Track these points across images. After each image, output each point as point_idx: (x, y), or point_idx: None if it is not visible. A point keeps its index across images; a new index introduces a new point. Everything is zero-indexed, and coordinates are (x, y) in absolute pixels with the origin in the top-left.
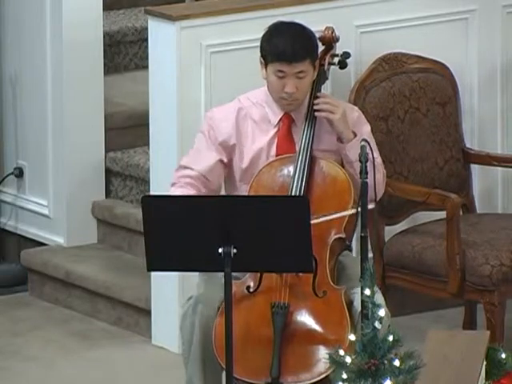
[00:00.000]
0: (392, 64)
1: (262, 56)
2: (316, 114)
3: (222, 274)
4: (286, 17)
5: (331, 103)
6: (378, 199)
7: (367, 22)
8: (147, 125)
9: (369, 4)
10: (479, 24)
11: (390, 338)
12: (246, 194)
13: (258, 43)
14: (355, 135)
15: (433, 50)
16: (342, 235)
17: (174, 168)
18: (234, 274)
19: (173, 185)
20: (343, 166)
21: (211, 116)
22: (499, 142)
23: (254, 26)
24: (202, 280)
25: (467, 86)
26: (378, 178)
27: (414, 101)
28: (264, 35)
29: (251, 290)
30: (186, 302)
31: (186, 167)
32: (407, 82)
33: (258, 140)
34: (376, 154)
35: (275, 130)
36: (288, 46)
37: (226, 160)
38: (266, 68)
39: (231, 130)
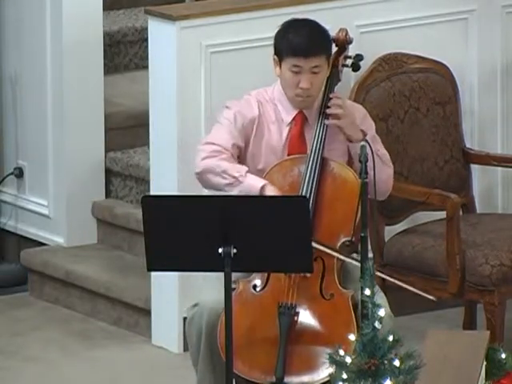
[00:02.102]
0: (392, 64)
1: (275, 53)
2: (326, 122)
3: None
4: (286, 17)
5: (341, 111)
6: (387, 194)
7: (367, 22)
8: (147, 125)
9: (369, 4)
10: (479, 24)
11: (390, 338)
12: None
13: (258, 43)
14: (365, 134)
15: (433, 50)
16: (351, 238)
17: (175, 166)
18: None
19: (205, 158)
20: (352, 165)
21: (234, 104)
22: (499, 142)
23: (254, 26)
24: (205, 287)
25: (467, 86)
26: (388, 172)
27: (414, 101)
28: (278, 32)
29: (258, 289)
30: (190, 307)
31: (211, 143)
32: (407, 82)
33: (272, 138)
34: (384, 151)
35: (288, 128)
36: (304, 40)
37: (242, 145)
38: (280, 65)
39: (255, 116)
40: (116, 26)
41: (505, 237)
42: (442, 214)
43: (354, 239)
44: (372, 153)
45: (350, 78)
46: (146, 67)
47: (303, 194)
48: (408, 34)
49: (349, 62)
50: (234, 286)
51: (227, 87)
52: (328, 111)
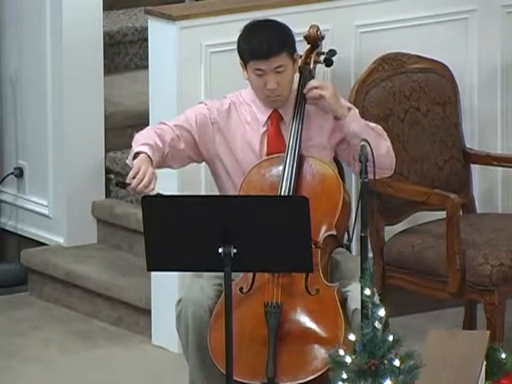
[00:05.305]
0: (392, 64)
1: (240, 57)
2: (308, 94)
3: (203, 273)
4: (285, 17)
5: (321, 84)
6: (393, 167)
7: (367, 22)
8: (147, 125)
9: (369, 4)
10: (479, 24)
11: (390, 338)
12: (235, 189)
13: None
14: (349, 109)
15: (433, 50)
16: (333, 232)
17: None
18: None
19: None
20: (336, 161)
21: (207, 102)
22: (499, 142)
23: None
24: (189, 283)
25: (467, 86)
26: (387, 144)
27: (414, 101)
28: (239, 36)
29: (244, 290)
30: (176, 304)
31: (163, 123)
32: (407, 82)
33: (249, 138)
34: (375, 124)
35: (264, 128)
36: (262, 43)
37: (193, 133)
38: (246, 69)
39: (224, 118)
40: (116, 26)
41: (505, 237)
42: (442, 214)
43: (337, 233)
44: (372, 153)
45: (350, 78)
46: (146, 67)
47: (282, 193)
48: (408, 34)
49: (321, 58)
50: (221, 288)
51: (227, 87)
52: (305, 90)
